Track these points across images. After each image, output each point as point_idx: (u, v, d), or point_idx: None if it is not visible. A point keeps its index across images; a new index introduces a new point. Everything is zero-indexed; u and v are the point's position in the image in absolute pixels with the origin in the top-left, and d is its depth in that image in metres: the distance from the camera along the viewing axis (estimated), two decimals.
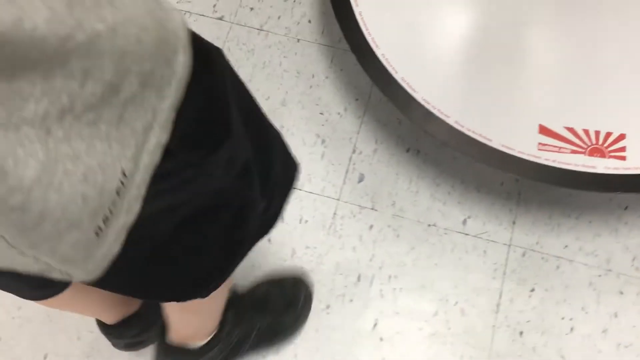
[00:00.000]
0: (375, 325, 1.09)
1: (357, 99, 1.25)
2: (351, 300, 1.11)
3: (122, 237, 0.45)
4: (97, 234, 0.43)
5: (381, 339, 1.08)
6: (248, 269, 1.13)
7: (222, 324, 0.98)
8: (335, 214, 1.17)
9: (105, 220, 0.43)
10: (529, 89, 1.05)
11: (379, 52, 1.08)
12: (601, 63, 1.05)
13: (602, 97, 1.03)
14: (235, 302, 1.01)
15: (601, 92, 1.03)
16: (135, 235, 0.46)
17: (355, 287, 1.12)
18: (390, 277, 1.12)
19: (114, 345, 1.04)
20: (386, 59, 1.07)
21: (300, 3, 1.34)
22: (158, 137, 0.44)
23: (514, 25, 1.10)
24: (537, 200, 1.16)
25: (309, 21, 1.32)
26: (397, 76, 1.06)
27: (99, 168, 0.40)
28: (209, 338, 0.97)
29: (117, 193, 0.42)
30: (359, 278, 1.12)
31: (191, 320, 0.94)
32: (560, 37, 1.09)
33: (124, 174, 0.42)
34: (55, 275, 0.45)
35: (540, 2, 1.10)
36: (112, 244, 0.45)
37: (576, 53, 1.06)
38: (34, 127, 0.35)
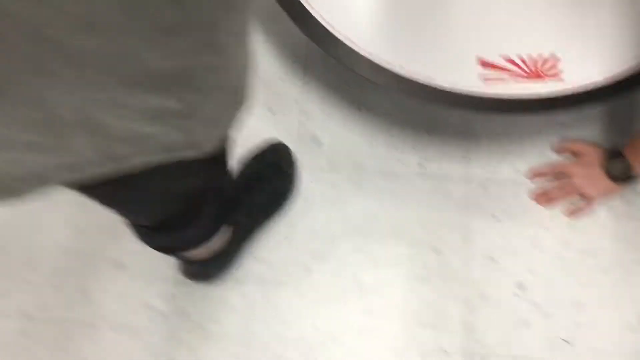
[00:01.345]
0: (354, 278, 1.12)
1: (295, 62, 1.25)
2: (328, 261, 1.13)
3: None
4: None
5: (362, 290, 1.11)
6: None
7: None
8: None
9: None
10: (463, 24, 1.08)
11: (315, 13, 1.08)
12: None
13: (533, 22, 1.07)
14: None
15: (531, 16, 1.07)
16: None
17: (331, 247, 1.14)
18: (361, 230, 1.15)
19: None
20: (323, 18, 1.08)
21: None
22: None
23: None
24: (486, 133, 1.20)
25: None
26: (337, 33, 1.07)
27: None
28: None
29: None
30: (332, 239, 1.14)
31: None
32: None
33: None
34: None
35: None
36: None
37: None
38: None
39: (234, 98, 0.51)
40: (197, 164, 0.56)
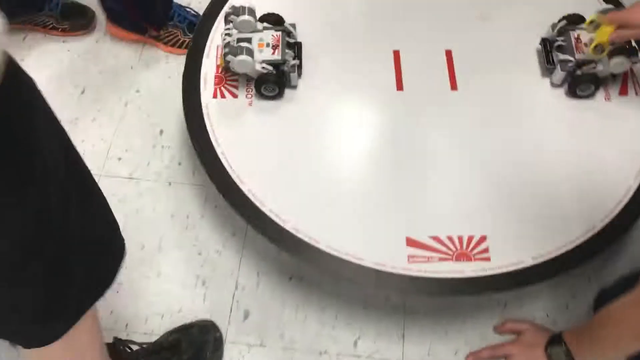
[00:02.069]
0: None
1: (234, 234, 1.25)
2: None
3: None
4: None
5: None
6: None
7: None
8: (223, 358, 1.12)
9: None
10: (393, 204, 1.09)
11: (244, 188, 1.10)
12: (453, 171, 1.11)
13: (460, 203, 1.08)
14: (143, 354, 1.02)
15: (458, 198, 1.09)
16: None
17: None
18: None
19: None
20: (252, 194, 1.09)
21: (169, 147, 1.35)
22: None
23: (364, 153, 1.15)
24: (423, 310, 1.17)
25: (179, 163, 1.33)
26: (265, 209, 1.08)
27: None
28: None
29: None
30: None
31: None
32: (410, 152, 1.15)
33: None
34: None
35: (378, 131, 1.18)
36: None
37: (428, 165, 1.12)
38: None
39: None
40: None
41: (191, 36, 1.47)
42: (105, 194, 1.28)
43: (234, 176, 1.11)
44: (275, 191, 1.10)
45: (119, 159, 1.33)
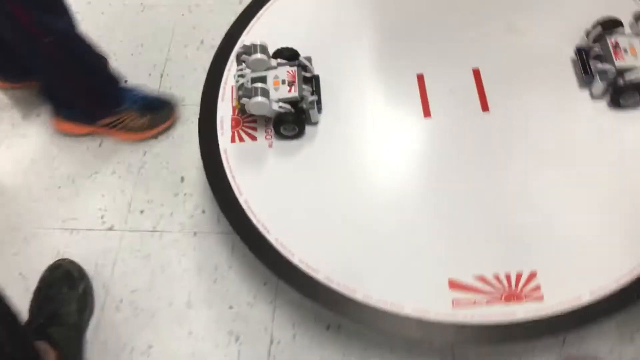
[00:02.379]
0: None
1: (265, 283, 1.18)
2: None
3: None
4: None
5: None
6: None
7: None
8: None
9: None
10: (431, 245, 1.01)
11: (271, 238, 1.03)
12: (493, 202, 1.03)
13: (506, 237, 1.00)
14: None
15: (501, 231, 1.00)
16: None
17: None
18: None
19: None
20: (280, 243, 1.03)
21: (191, 195, 1.30)
22: None
23: (395, 190, 1.08)
24: (473, 354, 1.08)
25: (203, 211, 1.28)
26: (294, 259, 1.01)
27: None
28: None
29: None
30: None
31: None
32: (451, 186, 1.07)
33: None
34: None
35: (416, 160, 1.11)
36: None
37: (465, 197, 1.04)
38: None
39: None
40: None
41: (150, 116, 1.36)
42: (129, 251, 1.25)
43: (259, 226, 1.05)
44: (304, 239, 1.03)
45: (141, 211, 1.29)
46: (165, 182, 1.32)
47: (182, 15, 1.59)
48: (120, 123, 1.35)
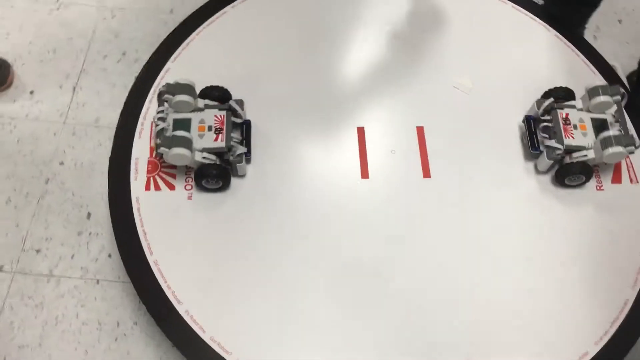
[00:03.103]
0: None
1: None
2: None
3: None
4: None
5: None
6: None
7: None
8: None
9: None
10: (360, 319, 0.92)
11: (181, 309, 0.92)
12: (430, 278, 0.96)
13: (437, 316, 0.93)
14: None
15: (432, 310, 0.93)
16: None
17: None
18: None
19: None
20: (190, 317, 0.91)
21: (97, 235, 1.16)
22: None
23: (325, 258, 0.99)
24: None
25: (109, 255, 1.14)
26: (205, 336, 0.90)
27: None
28: None
29: None
30: None
31: None
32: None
33: None
34: None
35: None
36: None
37: (400, 270, 0.96)
38: None
39: None
40: None
41: None
42: (19, 297, 1.10)
43: (169, 293, 0.93)
44: (219, 314, 0.92)
45: (38, 251, 1.13)
46: (68, 217, 1.17)
47: (104, 19, 1.42)
48: None
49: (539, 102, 1.06)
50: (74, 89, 1.32)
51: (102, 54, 1.37)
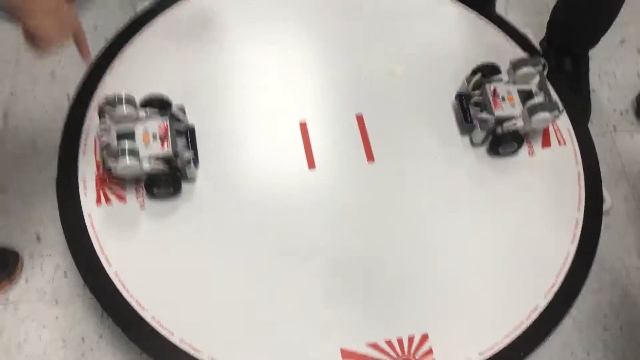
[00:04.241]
0: None
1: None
2: None
3: None
4: None
5: None
6: None
7: None
8: None
9: None
10: (319, 312, 0.96)
11: (147, 315, 0.93)
12: (382, 263, 1.00)
13: (395, 298, 0.97)
14: None
15: (391, 292, 0.98)
16: None
17: None
18: None
19: None
20: (157, 322, 0.93)
21: (50, 256, 1.15)
22: None
23: (279, 253, 1.01)
24: None
25: (65, 274, 1.13)
26: (175, 339, 0.92)
27: None
28: None
29: None
30: None
31: None
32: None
33: None
34: None
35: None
36: None
37: (352, 258, 1.00)
38: None
39: None
40: None
41: None
42: None
43: (132, 302, 0.94)
44: (186, 314, 0.94)
45: None
46: (17, 240, 1.15)
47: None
48: None
49: (468, 79, 1.12)
50: (5, 114, 1.29)
51: (30, 77, 1.34)
